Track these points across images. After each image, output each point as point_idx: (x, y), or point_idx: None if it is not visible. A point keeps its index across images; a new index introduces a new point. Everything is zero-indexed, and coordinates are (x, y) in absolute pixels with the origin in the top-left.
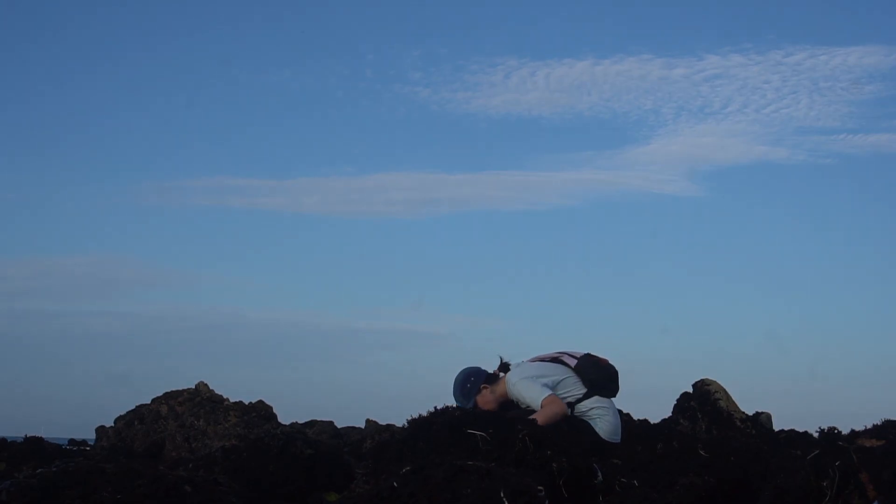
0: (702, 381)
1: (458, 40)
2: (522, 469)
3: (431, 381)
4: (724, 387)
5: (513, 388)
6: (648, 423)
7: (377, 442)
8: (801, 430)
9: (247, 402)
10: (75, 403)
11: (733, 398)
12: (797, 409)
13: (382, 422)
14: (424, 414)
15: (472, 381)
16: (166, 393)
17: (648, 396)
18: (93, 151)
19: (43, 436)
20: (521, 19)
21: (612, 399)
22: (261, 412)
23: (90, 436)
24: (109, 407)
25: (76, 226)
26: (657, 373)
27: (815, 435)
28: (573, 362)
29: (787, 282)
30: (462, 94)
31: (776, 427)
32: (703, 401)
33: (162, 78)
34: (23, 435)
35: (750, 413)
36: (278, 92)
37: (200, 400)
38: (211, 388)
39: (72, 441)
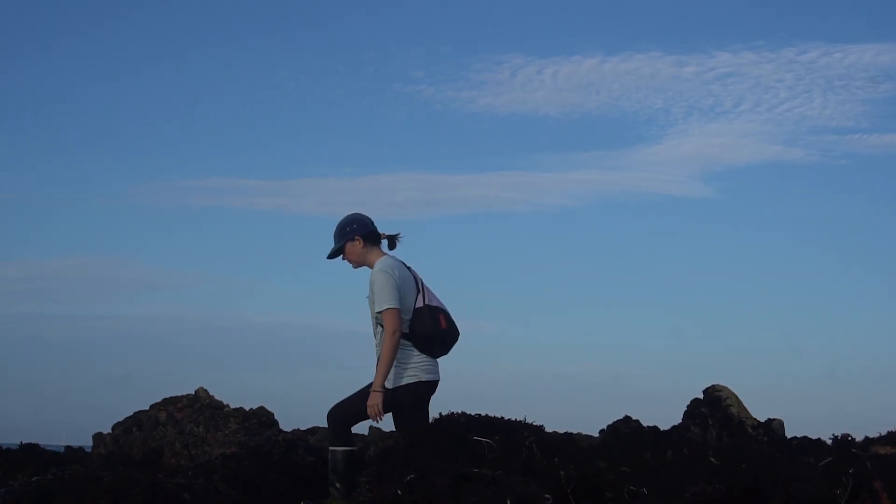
0: (713, 386)
1: (462, 37)
2: (529, 477)
3: None
4: (736, 392)
5: (375, 272)
6: (658, 429)
7: (380, 449)
8: (813, 436)
9: (247, 409)
10: (72, 409)
11: (745, 404)
12: (810, 415)
13: (386, 429)
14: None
15: (353, 227)
16: (165, 399)
17: (658, 402)
18: (91, 152)
19: (39, 442)
20: (527, 15)
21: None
22: (262, 419)
23: (87, 442)
24: (107, 413)
25: (73, 227)
26: (667, 377)
27: (829, 442)
28: (421, 301)
29: (800, 284)
30: (466, 93)
31: (789, 434)
32: (713, 407)
33: (160, 78)
34: (18, 442)
35: (762, 419)
36: (277, 91)
37: (200, 406)
38: (210, 393)
39: (68, 448)
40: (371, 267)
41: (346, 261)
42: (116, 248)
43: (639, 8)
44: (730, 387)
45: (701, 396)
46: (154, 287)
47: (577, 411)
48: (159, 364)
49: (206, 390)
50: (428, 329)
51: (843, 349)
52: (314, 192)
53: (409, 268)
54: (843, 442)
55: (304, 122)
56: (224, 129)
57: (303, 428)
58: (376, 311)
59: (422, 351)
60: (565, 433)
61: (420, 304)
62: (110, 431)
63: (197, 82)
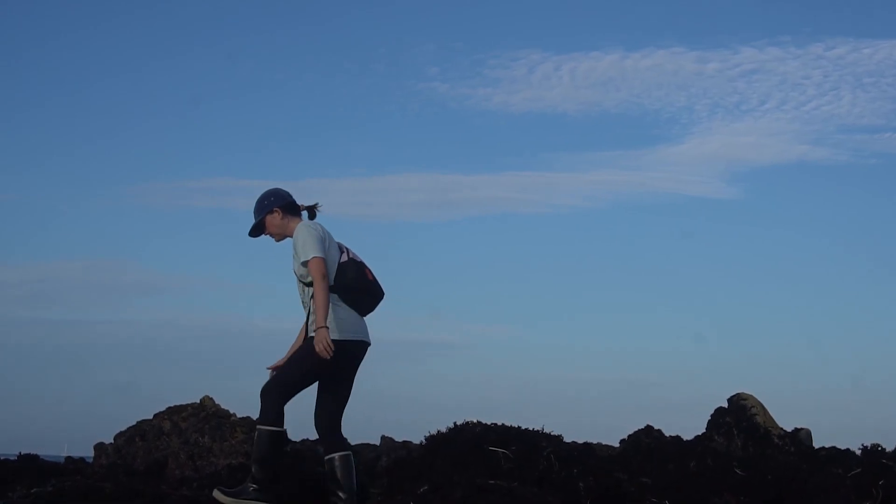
0: (737, 395)
1: (476, 32)
2: (547, 488)
3: (450, 394)
4: (762, 401)
5: (296, 228)
6: (681, 439)
7: (393, 460)
8: (842, 446)
9: (255, 418)
10: (72, 418)
11: (771, 413)
12: (839, 425)
13: (398, 438)
14: (443, 430)
15: (270, 200)
16: (169, 408)
17: (681, 411)
18: (92, 152)
19: (38, 453)
20: (544, 10)
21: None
22: None
23: (88, 453)
24: (109, 422)
25: (74, 229)
26: (690, 385)
27: (858, 452)
28: (346, 257)
29: (827, 289)
30: (481, 91)
31: (816, 444)
32: (738, 416)
33: (163, 76)
34: (16, 452)
35: (789, 429)
36: (284, 89)
37: (205, 415)
38: (216, 402)
39: (68, 458)
40: (291, 233)
41: (268, 235)
42: (118, 250)
43: (660, 2)
44: (755, 395)
45: (725, 405)
46: (157, 291)
47: (597, 420)
48: (163, 371)
49: (211, 399)
50: (353, 280)
51: (872, 356)
52: (323, 194)
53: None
54: (873, 452)
55: (311, 121)
56: (229, 129)
57: (312, 438)
58: (300, 261)
59: (348, 305)
60: (584, 443)
61: (345, 258)
62: (112, 441)
63: (201, 79)
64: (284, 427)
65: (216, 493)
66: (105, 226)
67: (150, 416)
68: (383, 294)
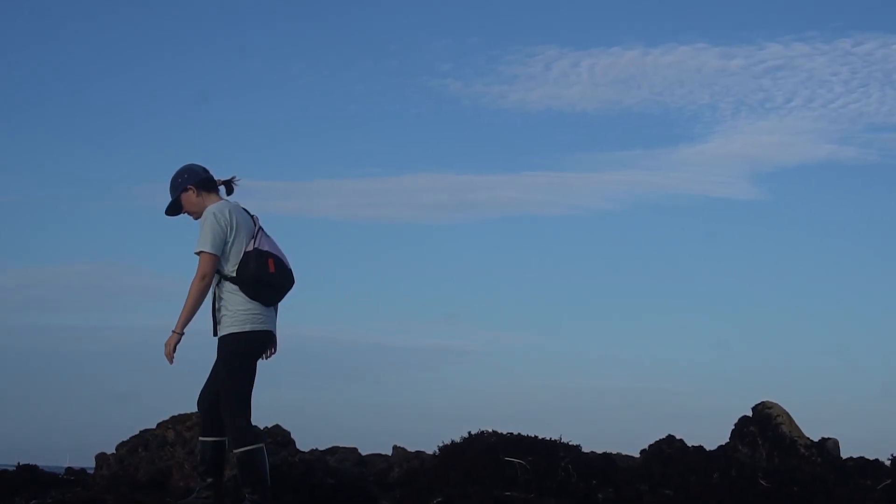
0: (762, 403)
1: (491, 27)
2: (565, 500)
3: (465, 403)
4: (787, 410)
5: (205, 213)
6: (703, 449)
7: (405, 470)
8: (871, 457)
9: (261, 427)
10: (73, 427)
11: (797, 422)
12: (867, 435)
13: (411, 448)
14: (457, 440)
15: (184, 177)
16: (173, 417)
17: (703, 420)
18: (93, 152)
19: (38, 463)
20: (561, 4)
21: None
22: (277, 438)
23: (89, 464)
24: (110, 432)
25: (74, 232)
26: (713, 394)
27: (887, 463)
28: (252, 246)
29: (856, 294)
30: (496, 88)
31: (844, 454)
32: (763, 425)
33: (169, 72)
34: (15, 463)
35: (815, 439)
36: (292, 86)
37: None
38: None
39: (69, 469)
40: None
41: (187, 214)
42: (121, 254)
43: None
44: (780, 404)
45: (750, 414)
46: (163, 296)
47: (617, 430)
48: (167, 379)
49: None
50: (253, 272)
51: None
52: (333, 195)
53: (250, 214)
54: None
55: (321, 119)
56: (235, 127)
57: (321, 448)
58: (195, 250)
59: (250, 297)
60: (603, 453)
61: (250, 248)
62: (114, 451)
63: (206, 76)
64: (262, 442)
65: None
66: (108, 228)
67: (154, 426)
68: (291, 283)
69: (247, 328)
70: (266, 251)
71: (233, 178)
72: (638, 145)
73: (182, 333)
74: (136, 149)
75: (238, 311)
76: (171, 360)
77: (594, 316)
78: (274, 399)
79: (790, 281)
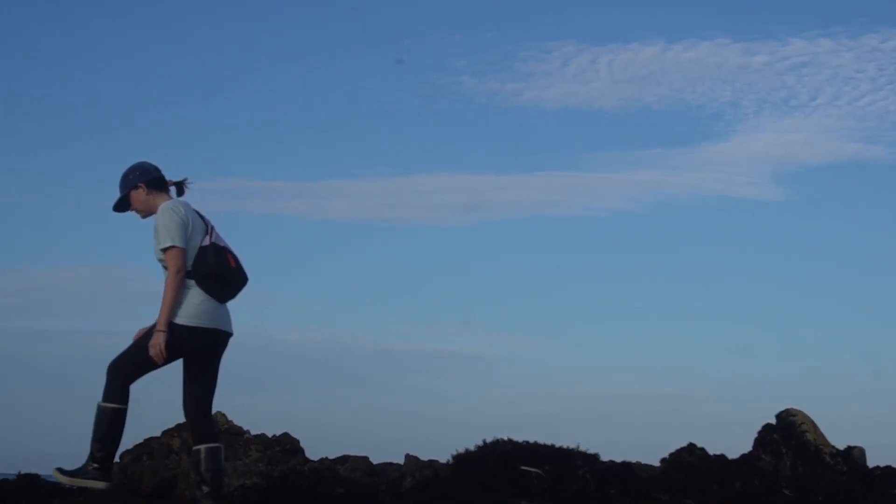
0: (786, 410)
1: (507, 22)
2: None
3: (480, 410)
4: (812, 417)
5: (159, 210)
6: (725, 458)
7: (418, 480)
8: None
9: (270, 435)
10: (75, 435)
11: (822, 430)
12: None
13: (424, 457)
14: (472, 448)
15: (135, 174)
16: (178, 424)
17: (725, 428)
18: (93, 150)
19: (38, 472)
20: None
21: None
22: (286, 446)
23: None
24: None
25: (73, 233)
26: (735, 401)
27: None
28: (208, 241)
29: (882, 297)
30: (512, 85)
31: (871, 462)
32: (787, 433)
33: (171, 68)
34: (16, 471)
35: (841, 447)
36: (302, 83)
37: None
38: (229, 418)
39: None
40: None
41: (134, 212)
42: (121, 256)
43: None
44: (805, 411)
45: (773, 421)
46: None
47: (636, 438)
48: (171, 386)
49: (224, 415)
50: (213, 266)
51: None
52: (343, 195)
53: (200, 215)
54: None
55: (331, 117)
56: (242, 125)
57: (331, 457)
58: (159, 247)
59: (207, 292)
60: (622, 462)
61: (206, 242)
62: (118, 460)
63: (212, 72)
64: (128, 405)
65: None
66: (109, 229)
67: (159, 434)
68: (245, 280)
69: (191, 323)
70: (224, 247)
71: (185, 179)
72: (658, 144)
73: (167, 331)
74: (139, 149)
75: (188, 304)
76: (160, 359)
77: (613, 320)
78: (282, 406)
79: (815, 284)
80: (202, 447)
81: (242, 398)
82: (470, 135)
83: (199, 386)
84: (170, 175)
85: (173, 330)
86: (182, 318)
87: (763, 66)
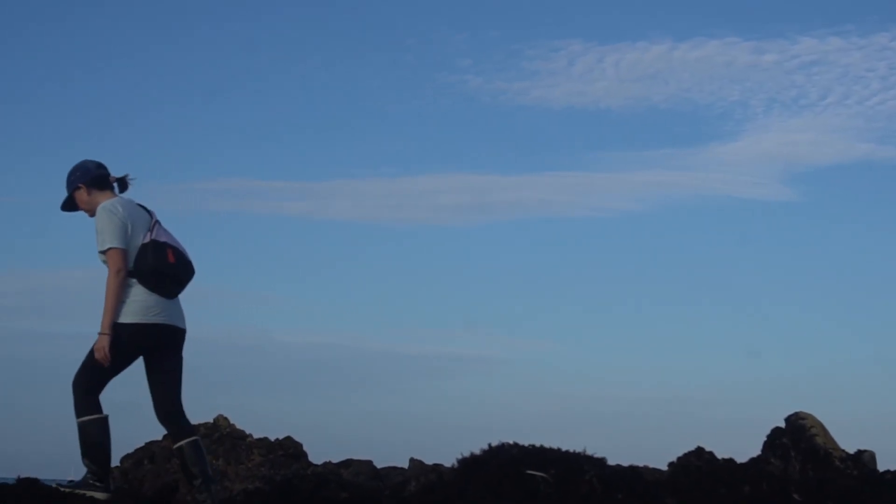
0: (796, 414)
1: (513, 20)
2: None
3: (485, 413)
4: (822, 421)
5: (97, 211)
6: (734, 462)
7: (422, 484)
8: None
9: (272, 439)
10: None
11: (832, 434)
12: None
13: (428, 461)
14: (477, 452)
15: (76, 175)
16: None
17: (734, 431)
18: (94, 151)
19: (38, 477)
20: None
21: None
22: (289, 450)
23: None
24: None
25: (76, 235)
26: (744, 404)
27: None
28: (149, 238)
29: (894, 299)
30: (518, 84)
31: (881, 466)
32: (796, 437)
33: (175, 68)
34: (15, 476)
35: (851, 451)
36: (305, 82)
37: (219, 436)
38: (231, 422)
39: (71, 482)
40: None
41: (82, 211)
42: None
43: None
44: (815, 414)
45: (782, 425)
46: None
47: (643, 442)
48: None
49: (226, 418)
50: (151, 263)
51: None
52: (347, 196)
53: (145, 209)
54: None
55: (335, 117)
56: (245, 125)
57: (335, 460)
58: (98, 249)
59: (149, 289)
60: (630, 466)
61: (146, 240)
62: (118, 464)
63: (213, 72)
64: (105, 412)
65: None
66: None
67: (160, 438)
68: (191, 274)
69: (136, 320)
70: (163, 242)
71: (126, 175)
72: (665, 144)
73: (111, 333)
74: (139, 148)
75: (132, 301)
76: (106, 362)
77: (620, 322)
78: (285, 410)
79: (824, 286)
80: (183, 444)
81: (245, 401)
82: (474, 134)
83: (163, 385)
84: (174, 176)
85: (120, 330)
86: (127, 317)
87: (772, 65)
